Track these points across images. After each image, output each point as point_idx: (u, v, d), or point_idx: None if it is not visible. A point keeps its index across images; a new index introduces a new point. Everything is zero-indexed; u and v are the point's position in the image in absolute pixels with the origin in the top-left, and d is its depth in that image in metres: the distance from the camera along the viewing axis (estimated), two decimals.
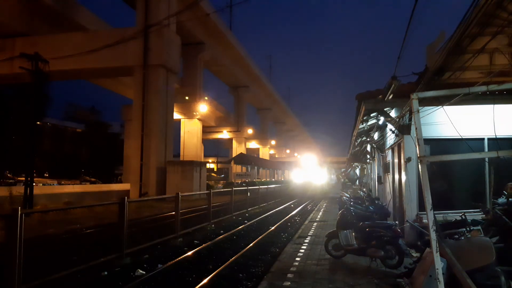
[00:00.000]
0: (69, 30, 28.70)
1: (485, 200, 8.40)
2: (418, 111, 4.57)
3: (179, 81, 38.29)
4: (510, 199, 6.66)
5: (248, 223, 15.13)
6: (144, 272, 7.56)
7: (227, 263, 8.25)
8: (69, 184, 35.74)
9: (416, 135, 4.52)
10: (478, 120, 8.37)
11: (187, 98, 39.60)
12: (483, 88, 4.61)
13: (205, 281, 6.89)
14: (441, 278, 4.20)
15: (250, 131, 63.81)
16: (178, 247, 10.25)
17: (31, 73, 16.49)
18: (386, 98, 8.05)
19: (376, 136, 16.05)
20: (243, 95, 59.71)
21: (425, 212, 4.45)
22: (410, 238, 8.62)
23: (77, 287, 6.75)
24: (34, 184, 17.48)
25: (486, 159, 8.11)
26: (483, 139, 8.72)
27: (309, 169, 44.84)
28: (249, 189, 22.22)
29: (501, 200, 6.91)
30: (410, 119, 8.39)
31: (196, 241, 11.10)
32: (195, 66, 40.40)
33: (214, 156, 79.25)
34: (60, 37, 27.35)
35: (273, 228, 13.79)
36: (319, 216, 16.68)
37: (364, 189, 22.30)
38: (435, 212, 4.39)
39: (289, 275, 6.81)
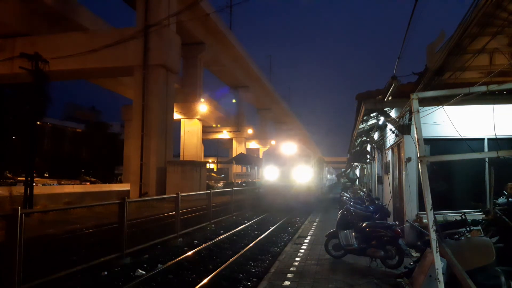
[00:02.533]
0: (69, 30, 28.68)
1: (485, 200, 8.40)
2: (418, 111, 4.57)
3: (179, 81, 38.27)
4: (510, 199, 6.66)
5: (248, 223, 15.13)
6: (144, 272, 7.56)
7: (227, 263, 8.25)
8: (69, 184, 35.79)
9: (416, 135, 4.52)
10: (478, 120, 8.37)
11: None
12: (483, 88, 4.61)
13: (205, 281, 6.89)
14: (441, 278, 4.20)
15: (250, 131, 63.82)
16: (178, 247, 10.25)
17: (31, 73, 16.47)
18: (386, 98, 8.05)
19: (376, 136, 16.06)
20: (243, 95, 59.71)
21: (425, 212, 4.45)
22: (410, 238, 8.62)
23: (77, 287, 6.75)
24: (34, 184, 17.47)
25: (486, 159, 8.11)
26: (483, 139, 8.72)
27: (291, 164, 21.78)
28: (249, 189, 22.33)
29: (501, 200, 6.91)
30: (410, 119, 8.39)
31: (196, 241, 11.10)
32: (195, 66, 40.36)
33: (214, 156, 79.22)
34: (60, 37, 27.32)
35: (273, 228, 13.79)
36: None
37: (364, 189, 22.31)
38: (435, 212, 4.39)
39: (289, 275, 6.81)
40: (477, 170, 8.82)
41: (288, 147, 20.35)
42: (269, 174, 19.99)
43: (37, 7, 27.03)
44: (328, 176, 45.19)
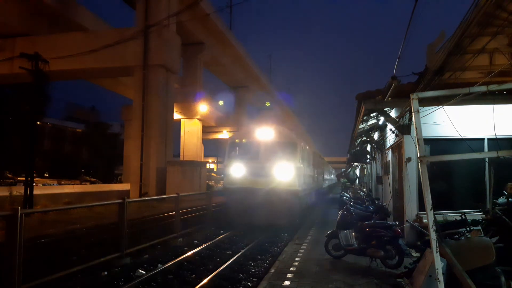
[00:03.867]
0: (69, 30, 28.68)
1: (485, 200, 8.40)
2: (418, 111, 4.57)
3: (179, 81, 38.28)
4: (510, 199, 6.67)
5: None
6: (144, 272, 7.56)
7: (227, 263, 8.24)
8: (69, 184, 35.76)
9: (416, 135, 4.52)
10: (478, 120, 8.38)
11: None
12: (483, 88, 4.61)
13: (205, 281, 6.89)
14: (441, 278, 4.20)
15: None
16: (178, 247, 10.25)
17: (31, 73, 16.47)
18: (386, 98, 8.05)
19: (376, 136, 16.07)
20: (243, 95, 59.75)
21: (425, 212, 4.45)
22: (410, 238, 8.63)
23: (77, 287, 6.75)
24: (34, 184, 17.47)
25: (486, 159, 8.11)
26: (483, 139, 8.73)
27: (266, 156, 13.43)
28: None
29: (501, 200, 6.92)
30: (410, 119, 8.40)
31: (196, 241, 11.10)
32: (195, 66, 40.36)
33: (214, 156, 79.19)
34: (60, 37, 27.32)
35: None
36: None
37: (364, 189, 22.33)
38: (435, 212, 4.39)
39: (289, 275, 6.81)
40: (477, 170, 8.83)
41: (263, 132, 13.68)
42: (235, 173, 13.48)
43: (37, 7, 27.02)
44: (327, 176, 37.83)
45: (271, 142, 13.58)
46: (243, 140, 14.40)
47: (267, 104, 51.31)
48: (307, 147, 16.95)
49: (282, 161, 13.12)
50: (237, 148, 14.28)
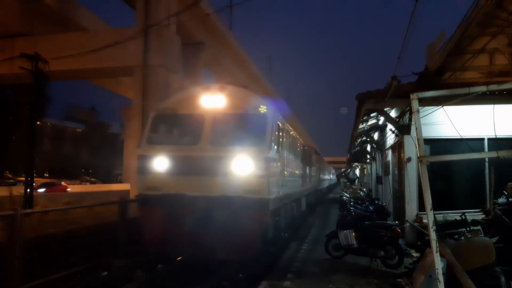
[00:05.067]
0: (69, 30, 28.69)
1: (485, 200, 8.40)
2: (418, 111, 4.57)
3: (179, 81, 38.30)
4: (510, 199, 6.67)
5: None
6: (144, 272, 7.56)
7: (228, 263, 8.22)
8: (69, 184, 35.78)
9: (416, 135, 4.52)
10: (478, 120, 8.37)
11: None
12: (483, 88, 4.61)
13: (205, 281, 6.88)
14: (441, 278, 4.20)
15: None
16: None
17: (31, 73, 16.48)
18: (386, 98, 8.05)
19: (376, 136, 16.07)
20: None
21: (425, 212, 4.45)
22: (410, 238, 8.63)
23: (77, 287, 6.75)
24: (34, 184, 17.46)
25: (486, 159, 8.11)
26: (483, 139, 8.73)
27: (215, 140, 7.47)
28: None
29: (501, 200, 6.92)
30: (410, 119, 8.40)
31: None
32: (195, 66, 40.35)
33: None
34: (60, 37, 27.31)
35: None
36: None
37: (364, 189, 22.32)
38: (435, 212, 4.39)
39: (289, 275, 6.80)
40: (477, 170, 8.83)
41: (210, 98, 8.09)
42: (158, 169, 7.77)
43: (37, 7, 27.02)
44: (325, 176, 32.57)
45: (223, 115, 8.02)
46: (176, 111, 8.46)
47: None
48: (292, 132, 11.55)
49: (240, 147, 7.56)
50: (165, 126, 8.83)
